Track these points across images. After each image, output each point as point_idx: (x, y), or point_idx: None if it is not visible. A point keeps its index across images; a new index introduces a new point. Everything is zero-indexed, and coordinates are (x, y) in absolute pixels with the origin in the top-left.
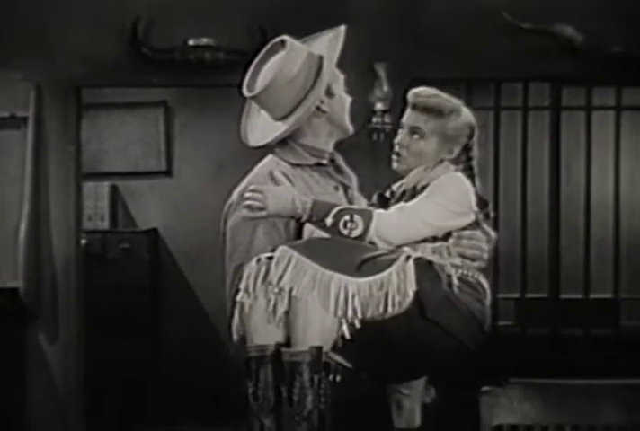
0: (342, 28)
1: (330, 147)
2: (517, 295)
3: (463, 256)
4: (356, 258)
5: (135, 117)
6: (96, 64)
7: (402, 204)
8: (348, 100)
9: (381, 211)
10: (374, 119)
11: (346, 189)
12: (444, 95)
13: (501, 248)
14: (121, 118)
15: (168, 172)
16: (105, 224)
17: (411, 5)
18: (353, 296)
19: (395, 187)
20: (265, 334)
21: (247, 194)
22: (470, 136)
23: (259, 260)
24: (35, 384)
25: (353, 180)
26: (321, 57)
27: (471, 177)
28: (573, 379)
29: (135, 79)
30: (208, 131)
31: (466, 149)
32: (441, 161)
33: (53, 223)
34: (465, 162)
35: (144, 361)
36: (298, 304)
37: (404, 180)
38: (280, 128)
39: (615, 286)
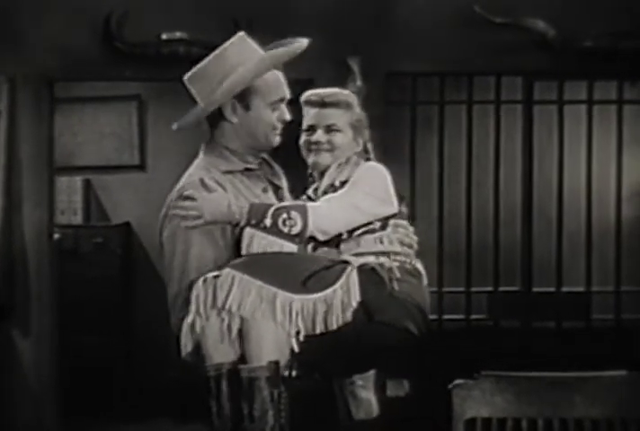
0: (302, 43)
1: (255, 157)
2: (489, 289)
3: (402, 243)
4: (301, 273)
5: (108, 111)
6: (70, 57)
7: (329, 196)
8: (269, 119)
9: (313, 204)
10: None
11: (277, 189)
12: (343, 90)
13: (473, 241)
14: (94, 112)
15: (141, 166)
16: (78, 219)
17: (384, 0)
18: (297, 314)
19: (311, 190)
20: (222, 352)
21: (181, 203)
22: (366, 129)
23: (205, 281)
24: (8, 378)
25: (283, 180)
26: (263, 60)
27: None
28: (545, 372)
29: (108, 73)
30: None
31: (366, 141)
32: (354, 153)
33: (26, 217)
34: (366, 155)
35: (116, 354)
36: (250, 322)
37: (320, 182)
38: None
39: (587, 280)
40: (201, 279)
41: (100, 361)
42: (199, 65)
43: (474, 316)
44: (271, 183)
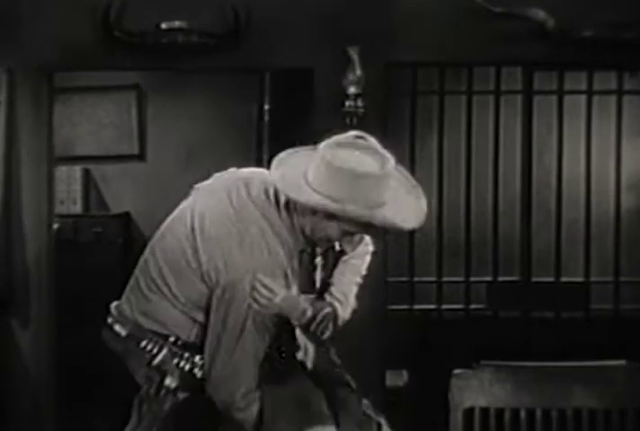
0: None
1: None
2: (489, 279)
3: None
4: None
5: (107, 100)
6: (68, 47)
7: (346, 293)
8: (332, 241)
9: (338, 306)
10: (347, 103)
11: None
12: None
13: (473, 231)
14: (94, 102)
15: (141, 156)
16: (77, 208)
17: None
18: None
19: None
20: None
21: (262, 290)
22: None
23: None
24: (7, 367)
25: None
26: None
27: None
28: (544, 361)
29: (107, 63)
30: (180, 115)
31: None
32: None
33: (25, 207)
34: None
35: None
36: None
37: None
38: (313, 196)
39: (586, 270)
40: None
41: (99, 350)
42: (347, 172)
43: (473, 306)
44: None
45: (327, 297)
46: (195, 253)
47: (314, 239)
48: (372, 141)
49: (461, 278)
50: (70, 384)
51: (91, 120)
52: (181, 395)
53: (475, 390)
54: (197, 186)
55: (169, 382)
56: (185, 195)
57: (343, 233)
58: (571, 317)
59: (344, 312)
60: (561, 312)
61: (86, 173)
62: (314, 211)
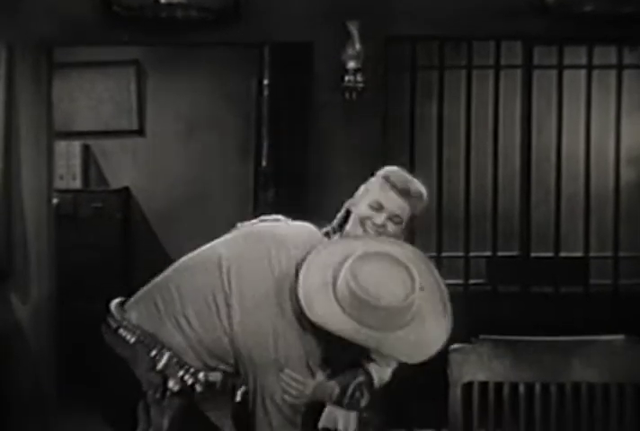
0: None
1: None
2: (488, 253)
3: None
4: None
5: (106, 76)
6: (67, 22)
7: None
8: None
9: (373, 369)
10: (346, 78)
11: None
12: (422, 187)
13: (472, 206)
14: (93, 78)
15: (140, 131)
16: (77, 184)
17: None
18: None
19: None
20: None
21: (291, 382)
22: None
23: None
24: (6, 343)
25: None
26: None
27: None
28: (543, 336)
29: (106, 37)
30: (180, 90)
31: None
32: None
33: (24, 182)
34: None
35: None
36: None
37: None
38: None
39: (585, 245)
40: None
41: (99, 327)
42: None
43: (472, 281)
44: None
45: (364, 361)
46: (227, 308)
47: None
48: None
49: (460, 253)
50: (70, 361)
51: (90, 96)
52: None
53: (474, 364)
54: (239, 225)
55: (172, 385)
56: (184, 169)
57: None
58: (570, 292)
59: (384, 374)
60: (560, 286)
61: (86, 149)
62: None
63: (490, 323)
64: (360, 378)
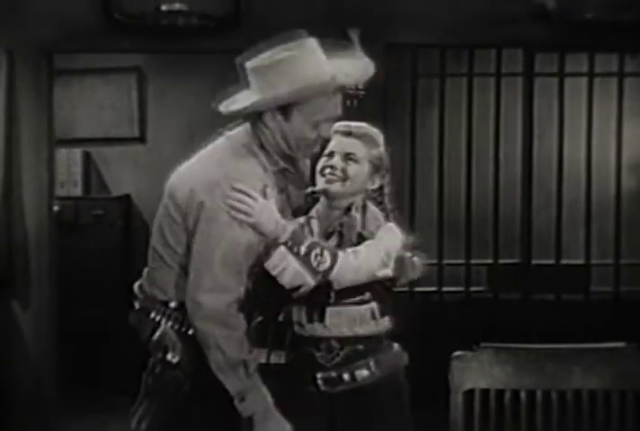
0: (371, 67)
1: (281, 160)
2: (489, 261)
3: None
4: None
5: (107, 83)
6: (68, 29)
7: (357, 248)
8: (306, 135)
9: (344, 253)
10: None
11: (288, 195)
12: (373, 127)
13: (473, 213)
14: (94, 84)
15: (141, 139)
16: (78, 191)
17: None
18: None
19: (314, 211)
20: None
21: (239, 195)
22: (387, 171)
23: None
24: (8, 349)
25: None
26: (333, 79)
27: (386, 214)
28: (544, 344)
29: (107, 44)
30: (181, 97)
31: (384, 185)
32: (366, 189)
33: (25, 189)
34: (376, 199)
35: (116, 326)
36: None
37: (326, 213)
38: (251, 98)
39: (586, 252)
40: None
41: (99, 333)
42: (272, 59)
43: (473, 288)
44: (286, 186)
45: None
46: (175, 204)
47: (292, 150)
48: None
49: (462, 261)
50: (71, 366)
51: (91, 102)
52: (183, 373)
53: (476, 372)
54: None
55: (170, 357)
56: None
57: (314, 125)
58: (571, 299)
59: (343, 265)
60: (561, 294)
61: (87, 156)
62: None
63: (491, 330)
64: (327, 244)
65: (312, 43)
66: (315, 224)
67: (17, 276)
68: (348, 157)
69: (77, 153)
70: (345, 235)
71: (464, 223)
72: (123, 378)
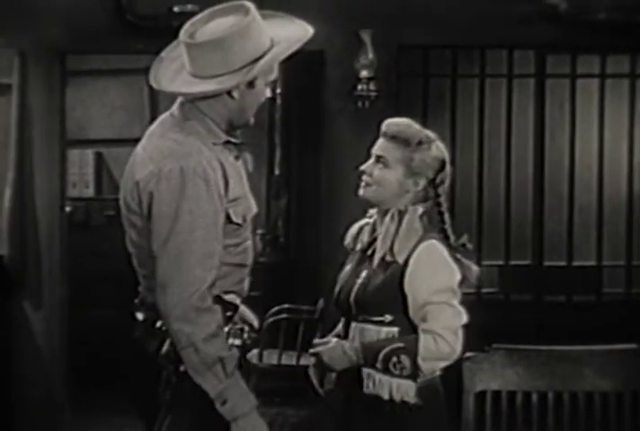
0: (309, 32)
1: (229, 131)
2: (501, 262)
3: None
4: None
5: (120, 84)
6: (81, 31)
7: (432, 326)
8: (264, 97)
9: (421, 343)
10: (359, 87)
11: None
12: (417, 126)
13: (485, 215)
14: (106, 86)
15: None
16: (90, 192)
17: None
18: None
19: (365, 237)
20: None
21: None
22: (439, 171)
23: None
24: (19, 351)
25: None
26: (272, 44)
27: (440, 214)
28: (556, 345)
29: (120, 46)
30: None
31: (435, 185)
32: (407, 192)
33: (38, 190)
34: (433, 199)
35: (127, 327)
36: None
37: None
38: (200, 86)
39: (598, 254)
40: None
41: (110, 333)
42: (219, 35)
43: (485, 290)
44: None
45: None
46: (136, 200)
47: (246, 118)
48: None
49: (473, 262)
50: (81, 367)
51: (103, 104)
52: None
53: (487, 373)
54: None
55: (183, 368)
56: None
57: (268, 87)
58: (583, 301)
59: (425, 353)
60: (573, 295)
61: (99, 156)
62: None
63: (503, 332)
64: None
65: (252, 8)
66: (366, 230)
67: (29, 276)
68: (378, 160)
69: (89, 153)
70: (379, 246)
71: (475, 224)
72: (134, 379)
